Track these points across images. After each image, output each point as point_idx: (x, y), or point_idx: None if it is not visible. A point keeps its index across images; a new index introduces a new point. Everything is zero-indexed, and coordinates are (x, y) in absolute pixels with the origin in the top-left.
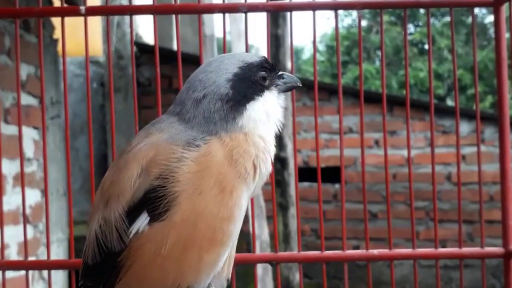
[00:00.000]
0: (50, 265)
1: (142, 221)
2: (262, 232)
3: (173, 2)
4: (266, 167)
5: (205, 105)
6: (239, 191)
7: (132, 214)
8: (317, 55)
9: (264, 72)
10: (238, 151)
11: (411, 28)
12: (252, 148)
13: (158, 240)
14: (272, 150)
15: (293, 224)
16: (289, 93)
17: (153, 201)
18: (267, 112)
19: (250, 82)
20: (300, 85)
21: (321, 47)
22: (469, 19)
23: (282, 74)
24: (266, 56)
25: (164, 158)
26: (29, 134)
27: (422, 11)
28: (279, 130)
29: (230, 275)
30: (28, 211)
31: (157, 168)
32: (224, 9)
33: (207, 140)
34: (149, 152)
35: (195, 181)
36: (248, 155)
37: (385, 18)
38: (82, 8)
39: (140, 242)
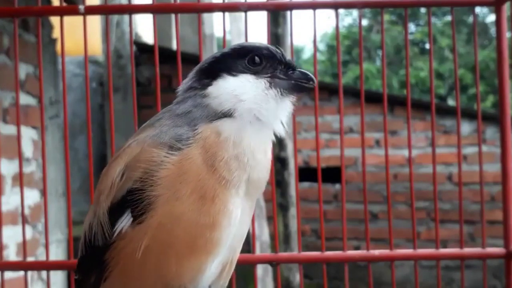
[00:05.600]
0: (49, 266)
1: (126, 221)
2: (262, 232)
3: (172, 1)
4: (248, 175)
5: (186, 79)
6: (222, 197)
7: (115, 212)
8: (318, 54)
9: (258, 58)
10: (210, 154)
11: (412, 27)
12: (223, 153)
13: (135, 243)
14: (251, 157)
15: (294, 225)
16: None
17: (134, 203)
18: (233, 93)
19: (233, 63)
20: (312, 86)
21: (321, 46)
22: (470, 19)
23: (295, 69)
24: (277, 48)
25: (145, 161)
26: (28, 134)
27: (423, 10)
28: (268, 123)
29: (226, 283)
30: (27, 211)
31: (138, 171)
32: (224, 8)
33: (189, 144)
34: (134, 150)
35: (173, 186)
36: (218, 160)
37: (386, 17)
38: (81, 7)
39: (123, 242)
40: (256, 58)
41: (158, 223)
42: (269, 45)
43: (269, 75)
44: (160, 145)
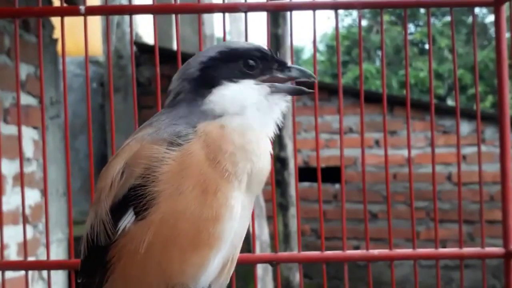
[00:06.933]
0: (49, 265)
1: (129, 219)
2: (262, 232)
3: (173, 2)
4: (252, 167)
5: (174, 83)
6: (224, 191)
7: (117, 210)
8: (317, 55)
9: (253, 61)
10: (214, 147)
11: (411, 27)
12: (228, 145)
13: (138, 239)
14: (257, 148)
15: (293, 224)
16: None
17: (136, 200)
18: (238, 101)
19: (227, 68)
20: (314, 80)
21: (321, 47)
22: (470, 19)
23: (290, 67)
24: (265, 46)
25: (146, 157)
26: (29, 134)
27: (422, 10)
28: (269, 127)
29: (228, 281)
30: (27, 211)
31: (139, 167)
32: (224, 9)
33: (189, 139)
34: (134, 148)
35: (176, 181)
36: (222, 152)
37: (386, 18)
38: (82, 7)
39: (124, 240)
40: (250, 61)
41: (161, 218)
42: (258, 45)
43: (267, 76)
44: (160, 141)
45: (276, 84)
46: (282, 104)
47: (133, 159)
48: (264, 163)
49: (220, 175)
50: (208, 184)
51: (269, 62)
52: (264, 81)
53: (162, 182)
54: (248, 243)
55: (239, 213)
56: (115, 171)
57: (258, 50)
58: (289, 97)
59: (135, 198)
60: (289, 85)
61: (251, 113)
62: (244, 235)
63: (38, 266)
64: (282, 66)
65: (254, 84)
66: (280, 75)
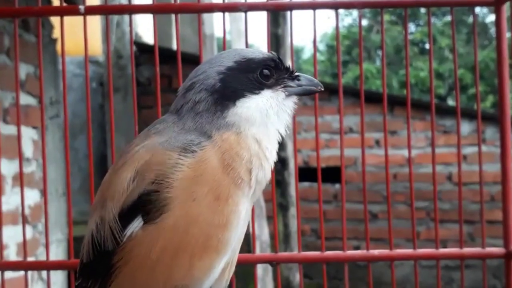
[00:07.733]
0: (49, 266)
1: (136, 224)
2: (262, 232)
3: (172, 2)
4: (263, 174)
5: (191, 94)
6: (235, 198)
7: (126, 217)
8: (318, 54)
9: (267, 70)
10: (230, 154)
11: (411, 27)
12: (244, 152)
13: (148, 243)
14: (270, 156)
15: (293, 224)
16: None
17: (147, 206)
18: (262, 112)
19: (246, 78)
20: (322, 89)
21: (321, 46)
22: (470, 19)
23: (299, 75)
24: (276, 54)
25: (159, 163)
26: (28, 134)
27: (423, 10)
28: (281, 134)
29: (228, 283)
30: (27, 211)
31: (152, 173)
32: (224, 8)
33: (203, 146)
34: (145, 156)
35: (189, 188)
36: (240, 159)
37: (386, 17)
38: (82, 7)
39: (132, 244)
40: (265, 70)
41: (173, 224)
42: (269, 54)
43: (281, 86)
44: (173, 149)
45: (289, 88)
46: (292, 106)
47: (145, 167)
48: (268, 173)
49: (233, 181)
50: (221, 190)
51: (280, 71)
52: (279, 90)
53: (176, 188)
54: (248, 243)
55: (243, 218)
56: (125, 179)
57: (272, 59)
58: (296, 99)
59: (146, 204)
60: (299, 87)
61: (270, 122)
62: (242, 239)
63: (38, 266)
64: (291, 75)
65: (270, 93)
66: (291, 83)
